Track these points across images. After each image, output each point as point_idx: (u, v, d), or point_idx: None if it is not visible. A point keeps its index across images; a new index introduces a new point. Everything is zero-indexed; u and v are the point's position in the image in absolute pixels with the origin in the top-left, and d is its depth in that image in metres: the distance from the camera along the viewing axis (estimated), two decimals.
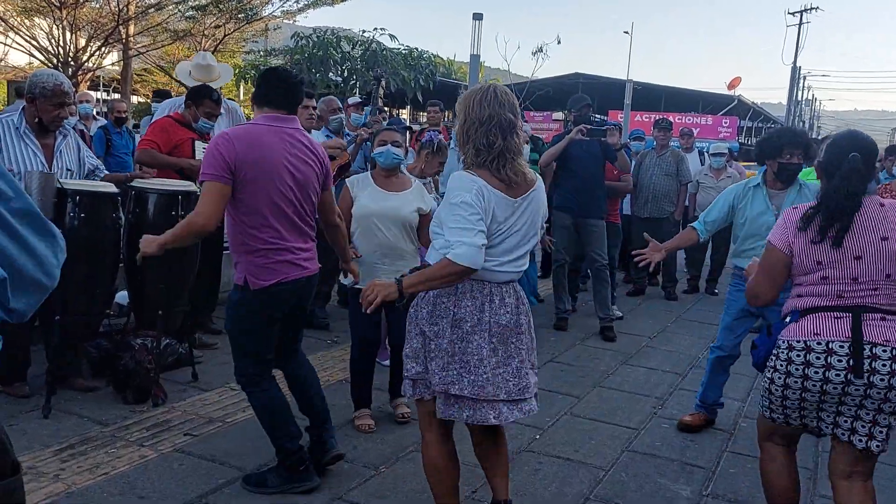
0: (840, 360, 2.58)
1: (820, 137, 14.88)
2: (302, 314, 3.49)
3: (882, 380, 2.55)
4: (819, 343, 2.62)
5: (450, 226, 2.58)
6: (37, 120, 4.06)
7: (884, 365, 2.55)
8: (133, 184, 4.38)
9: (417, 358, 2.76)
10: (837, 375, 2.58)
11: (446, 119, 8.66)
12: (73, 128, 4.43)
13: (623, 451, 4.01)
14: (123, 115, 8.60)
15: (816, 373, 2.61)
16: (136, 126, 11.60)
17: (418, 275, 2.65)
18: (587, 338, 6.34)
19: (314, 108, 5.78)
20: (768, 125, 47.52)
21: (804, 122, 56.28)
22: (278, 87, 3.21)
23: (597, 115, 7.01)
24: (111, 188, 4.23)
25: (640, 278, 8.44)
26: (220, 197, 3.05)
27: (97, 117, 9.37)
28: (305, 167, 3.23)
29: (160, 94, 10.23)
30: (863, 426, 2.65)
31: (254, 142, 3.10)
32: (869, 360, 2.56)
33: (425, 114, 9.91)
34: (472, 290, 2.68)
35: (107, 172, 4.72)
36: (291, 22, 29.04)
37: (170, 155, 4.88)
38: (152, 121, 5.72)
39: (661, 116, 8.91)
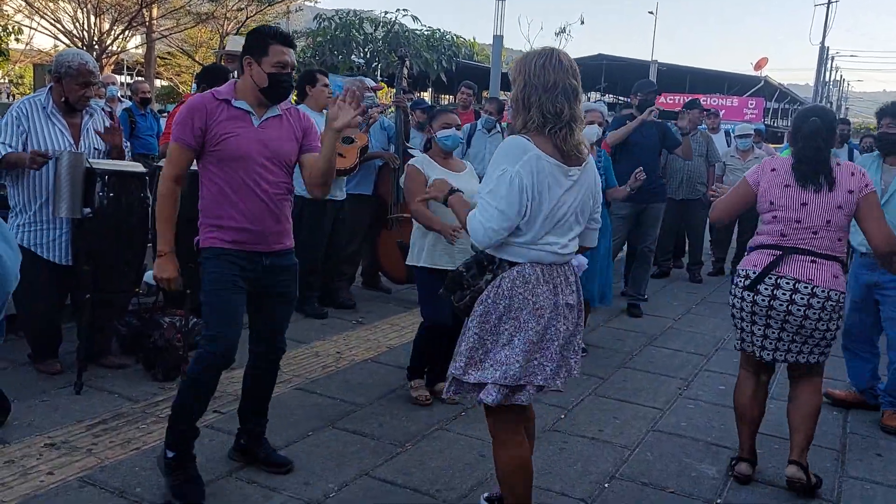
0: (767, 289, 3.22)
1: (850, 119, 14.64)
2: None
3: (799, 310, 3.17)
4: (754, 272, 3.27)
5: (482, 195, 2.49)
6: (63, 99, 4.10)
7: (802, 298, 3.16)
8: (160, 163, 4.41)
9: (473, 357, 2.57)
10: (763, 300, 3.23)
11: (475, 102, 8.63)
12: (102, 109, 4.45)
13: (648, 430, 4.01)
14: (148, 96, 8.65)
15: (749, 294, 3.27)
16: (162, 110, 11.70)
17: (460, 203, 2.75)
18: (611, 319, 6.33)
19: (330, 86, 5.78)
20: (795, 106, 46.87)
21: (832, 104, 55.36)
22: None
23: (622, 98, 6.95)
24: (139, 168, 4.27)
25: (665, 261, 8.39)
26: None
27: (122, 99, 9.44)
28: None
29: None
30: (783, 345, 3.28)
31: None
32: (790, 293, 3.17)
33: (450, 97, 9.84)
34: (544, 275, 2.55)
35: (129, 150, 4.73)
36: (313, 3, 29.07)
37: None
38: None
39: (692, 98, 8.78)
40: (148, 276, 4.92)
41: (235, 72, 5.30)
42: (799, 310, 3.16)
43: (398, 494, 3.18)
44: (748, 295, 3.26)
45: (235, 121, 3.02)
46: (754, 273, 3.25)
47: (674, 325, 6.30)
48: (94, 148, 4.25)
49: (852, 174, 3.21)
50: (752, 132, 8.74)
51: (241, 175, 3.01)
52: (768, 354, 3.32)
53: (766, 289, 3.22)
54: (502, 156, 2.49)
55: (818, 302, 3.15)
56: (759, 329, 3.29)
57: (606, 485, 3.37)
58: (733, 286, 3.37)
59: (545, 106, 2.49)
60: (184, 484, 3.03)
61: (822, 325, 3.20)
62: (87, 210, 3.94)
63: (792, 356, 3.30)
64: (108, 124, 4.31)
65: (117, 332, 4.55)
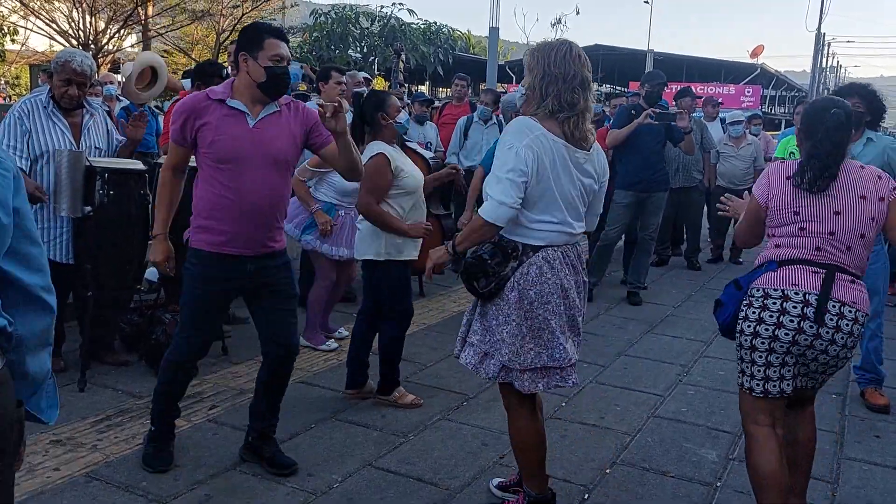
0: (815, 312, 2.67)
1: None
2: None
3: (842, 338, 2.67)
4: (797, 293, 2.68)
5: (493, 171, 2.63)
6: (51, 96, 4.12)
7: (847, 324, 2.66)
8: (160, 160, 4.43)
9: (515, 344, 2.69)
10: (811, 327, 2.66)
11: (469, 94, 8.63)
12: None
13: (649, 417, 4.04)
14: None
15: (792, 321, 2.67)
16: (159, 107, 11.66)
17: (462, 233, 2.75)
18: (611, 308, 6.36)
19: (344, 82, 5.81)
20: (792, 93, 46.81)
21: (829, 90, 55.25)
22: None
23: (619, 88, 6.95)
24: (139, 166, 4.28)
25: (664, 249, 8.42)
26: None
27: (120, 98, 9.41)
28: None
29: (188, 75, 10.23)
30: (813, 376, 2.81)
31: None
32: (836, 318, 2.66)
33: (447, 89, 9.84)
34: (563, 256, 2.70)
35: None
36: None
37: None
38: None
39: (686, 86, 8.82)
40: (149, 273, 4.96)
41: (230, 67, 5.32)
42: (843, 338, 2.68)
43: (401, 484, 3.22)
44: (792, 322, 2.66)
45: (228, 120, 2.99)
46: (797, 294, 2.68)
47: (673, 313, 6.33)
48: (95, 147, 4.25)
49: (879, 178, 2.77)
50: (744, 119, 8.80)
51: (232, 177, 2.98)
52: (788, 385, 2.76)
53: (814, 312, 2.67)
54: (511, 134, 2.63)
55: (858, 328, 2.71)
56: (791, 359, 2.73)
57: (608, 470, 3.40)
58: (759, 311, 2.73)
59: (563, 96, 2.61)
60: (155, 453, 3.26)
61: (852, 352, 2.79)
62: (88, 208, 3.96)
63: (813, 384, 2.85)
64: (132, 114, 4.31)
65: (119, 330, 4.58)
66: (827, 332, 2.66)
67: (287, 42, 3.13)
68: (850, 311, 2.67)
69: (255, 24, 3.15)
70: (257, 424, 3.34)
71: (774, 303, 2.70)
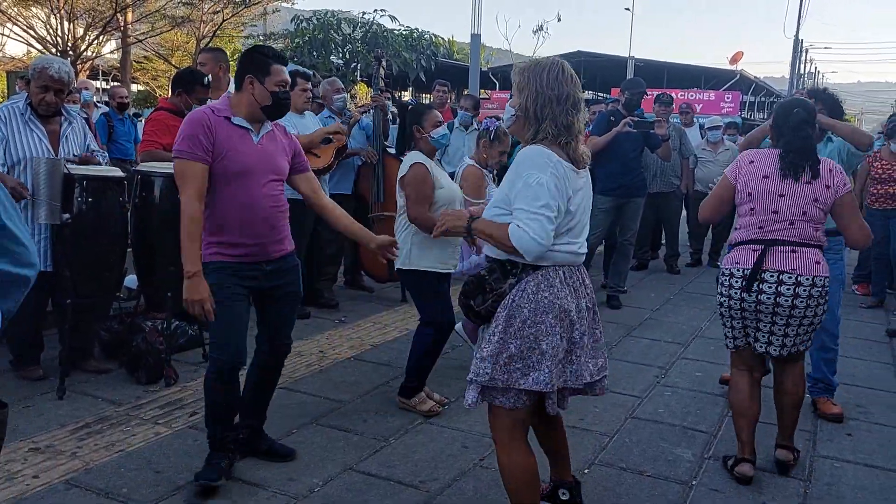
0: (753, 285, 3.28)
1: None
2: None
3: (786, 300, 3.23)
4: (738, 269, 3.34)
5: (520, 207, 2.44)
6: (28, 102, 4.11)
7: (788, 288, 3.23)
8: (139, 168, 4.43)
9: (499, 362, 2.52)
10: (751, 297, 3.29)
11: (452, 100, 8.67)
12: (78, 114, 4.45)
13: (627, 418, 4.09)
14: (125, 101, 8.61)
15: (736, 293, 3.33)
16: (138, 114, 11.64)
17: (488, 224, 2.56)
18: None
19: (310, 88, 5.80)
20: (771, 99, 47.28)
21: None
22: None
23: (600, 94, 6.99)
24: (117, 173, 4.28)
25: (643, 253, 8.49)
26: None
27: (98, 105, 9.38)
28: None
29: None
30: (776, 338, 3.35)
31: None
32: (775, 285, 3.24)
33: (430, 95, 9.88)
34: (565, 277, 2.56)
35: (107, 157, 4.70)
36: (290, 5, 28.95)
37: None
38: None
39: (662, 92, 8.91)
40: (128, 281, 4.95)
41: (210, 75, 5.31)
42: (787, 300, 3.22)
43: (381, 487, 3.24)
44: (735, 293, 3.31)
45: (235, 137, 3.08)
46: (739, 270, 3.30)
47: (652, 316, 6.39)
48: (73, 154, 4.25)
49: (830, 170, 3.28)
50: (722, 124, 8.94)
51: (243, 191, 3.07)
52: (761, 346, 3.38)
53: (752, 285, 3.27)
54: (529, 165, 2.47)
55: (804, 290, 3.22)
56: (752, 324, 3.35)
57: (586, 471, 3.44)
58: (719, 286, 3.42)
59: (559, 118, 2.51)
60: (204, 468, 3.18)
61: (811, 311, 3.27)
62: (67, 215, 3.96)
63: (786, 350, 3.34)
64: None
65: (99, 337, 4.56)
66: (768, 298, 3.25)
67: (287, 66, 3.23)
68: (790, 277, 3.22)
69: (261, 49, 3.21)
70: (249, 421, 3.42)
71: (726, 279, 3.39)
